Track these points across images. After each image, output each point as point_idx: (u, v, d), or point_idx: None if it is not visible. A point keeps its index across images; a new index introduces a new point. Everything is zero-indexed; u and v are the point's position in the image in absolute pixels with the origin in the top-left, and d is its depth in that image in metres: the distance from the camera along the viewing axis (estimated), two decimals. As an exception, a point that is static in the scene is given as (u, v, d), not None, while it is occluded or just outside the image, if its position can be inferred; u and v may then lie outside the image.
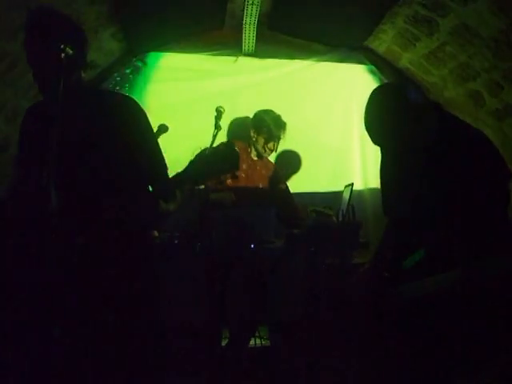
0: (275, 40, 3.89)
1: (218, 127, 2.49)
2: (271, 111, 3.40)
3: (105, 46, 3.41)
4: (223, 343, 2.82)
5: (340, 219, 2.90)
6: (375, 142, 1.78)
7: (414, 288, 1.68)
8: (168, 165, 1.85)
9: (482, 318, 1.58)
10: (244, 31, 3.61)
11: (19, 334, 1.55)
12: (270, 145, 3.38)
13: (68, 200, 1.52)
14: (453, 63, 3.28)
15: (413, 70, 3.77)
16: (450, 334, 1.64)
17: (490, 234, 1.61)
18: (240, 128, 3.76)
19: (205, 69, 3.82)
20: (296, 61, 3.95)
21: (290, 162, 3.91)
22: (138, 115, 1.76)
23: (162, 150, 1.83)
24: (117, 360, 1.64)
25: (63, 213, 1.47)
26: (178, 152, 2.29)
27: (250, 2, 3.27)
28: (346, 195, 3.07)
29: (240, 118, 3.80)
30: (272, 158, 3.84)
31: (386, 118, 1.70)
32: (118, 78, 3.71)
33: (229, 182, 3.25)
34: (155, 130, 2.13)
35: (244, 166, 3.37)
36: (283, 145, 3.88)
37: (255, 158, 3.46)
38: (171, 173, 1.78)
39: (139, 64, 3.75)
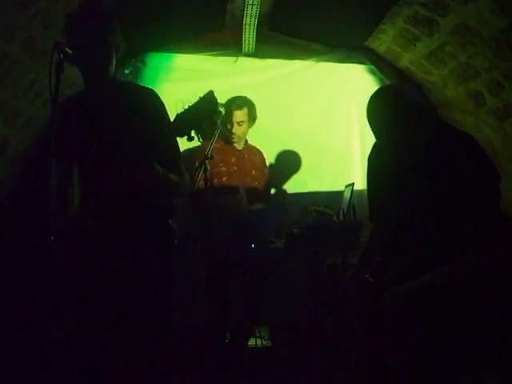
0: (275, 40, 3.88)
1: (217, 127, 2.49)
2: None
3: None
4: (223, 343, 2.82)
5: (341, 219, 2.90)
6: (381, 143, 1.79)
7: (410, 287, 1.68)
8: None
9: (480, 316, 1.58)
10: (244, 32, 3.62)
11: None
12: (229, 124, 3.26)
13: (96, 188, 1.70)
14: (453, 63, 3.28)
15: (413, 69, 3.76)
16: (450, 334, 1.64)
17: (485, 232, 1.63)
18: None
19: (205, 69, 3.82)
20: (296, 61, 3.94)
21: (291, 162, 3.91)
22: (163, 108, 1.93)
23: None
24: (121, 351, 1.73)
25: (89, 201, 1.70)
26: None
27: (250, 2, 3.27)
28: (347, 195, 3.07)
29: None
30: (272, 158, 3.86)
31: (386, 120, 1.70)
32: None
33: (224, 179, 3.24)
34: None
35: (233, 159, 3.32)
36: (284, 145, 3.91)
37: (240, 148, 3.39)
38: None
39: (139, 65, 3.75)
